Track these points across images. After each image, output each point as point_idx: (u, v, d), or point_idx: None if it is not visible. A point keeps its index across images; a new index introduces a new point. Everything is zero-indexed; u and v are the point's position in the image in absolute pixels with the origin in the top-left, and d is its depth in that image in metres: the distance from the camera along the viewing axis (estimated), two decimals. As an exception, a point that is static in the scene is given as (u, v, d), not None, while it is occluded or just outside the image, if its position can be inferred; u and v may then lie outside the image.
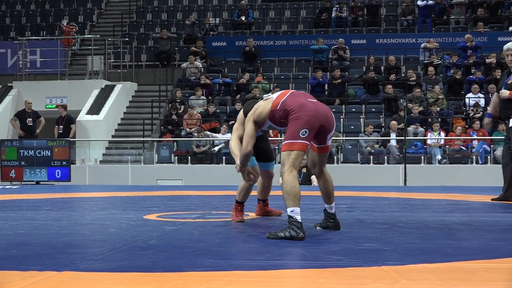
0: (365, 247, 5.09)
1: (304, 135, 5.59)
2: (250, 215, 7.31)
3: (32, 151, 16.03)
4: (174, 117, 19.56)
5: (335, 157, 17.63)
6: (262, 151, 6.90)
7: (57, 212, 8.39)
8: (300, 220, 5.42)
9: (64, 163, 16.09)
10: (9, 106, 21.00)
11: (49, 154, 16.02)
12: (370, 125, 18.14)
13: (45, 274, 4.05)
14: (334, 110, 19.58)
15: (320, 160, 5.99)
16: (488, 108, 10.23)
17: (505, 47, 9.23)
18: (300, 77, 21.84)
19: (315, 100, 5.85)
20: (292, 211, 5.44)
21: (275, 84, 20.22)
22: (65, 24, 24.43)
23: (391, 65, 20.89)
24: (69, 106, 19.63)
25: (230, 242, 5.62)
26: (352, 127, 19.08)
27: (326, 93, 20.41)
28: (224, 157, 17.77)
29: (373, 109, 19.89)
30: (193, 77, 21.56)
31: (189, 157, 18.22)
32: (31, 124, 18.48)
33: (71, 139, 17.60)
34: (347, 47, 22.01)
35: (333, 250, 4.97)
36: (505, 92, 9.04)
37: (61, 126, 18.41)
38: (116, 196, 11.42)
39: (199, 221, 7.01)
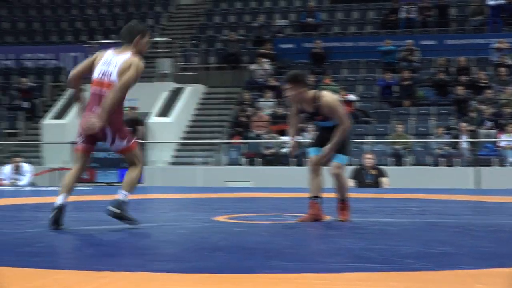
0: (436, 250, 5.02)
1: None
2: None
3: (105, 153, 16.25)
4: (243, 119, 19.61)
5: (405, 159, 17.46)
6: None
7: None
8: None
9: (135, 165, 16.25)
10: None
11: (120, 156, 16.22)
12: (440, 127, 17.91)
13: (117, 274, 4.09)
14: (402, 112, 19.47)
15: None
16: None
17: None
18: (369, 78, 21.70)
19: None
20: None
21: (343, 86, 20.10)
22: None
23: (461, 66, 20.58)
24: (139, 108, 19.81)
25: (300, 244, 5.60)
26: (423, 129, 18.86)
27: (394, 95, 20.22)
28: (293, 159, 17.72)
29: (443, 111, 19.63)
30: (261, 79, 21.60)
31: (259, 159, 18.24)
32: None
33: (141, 141, 17.81)
34: (416, 48, 21.76)
35: (403, 253, 4.91)
36: None
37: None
38: (186, 197, 11.52)
39: (268, 222, 7.01)
